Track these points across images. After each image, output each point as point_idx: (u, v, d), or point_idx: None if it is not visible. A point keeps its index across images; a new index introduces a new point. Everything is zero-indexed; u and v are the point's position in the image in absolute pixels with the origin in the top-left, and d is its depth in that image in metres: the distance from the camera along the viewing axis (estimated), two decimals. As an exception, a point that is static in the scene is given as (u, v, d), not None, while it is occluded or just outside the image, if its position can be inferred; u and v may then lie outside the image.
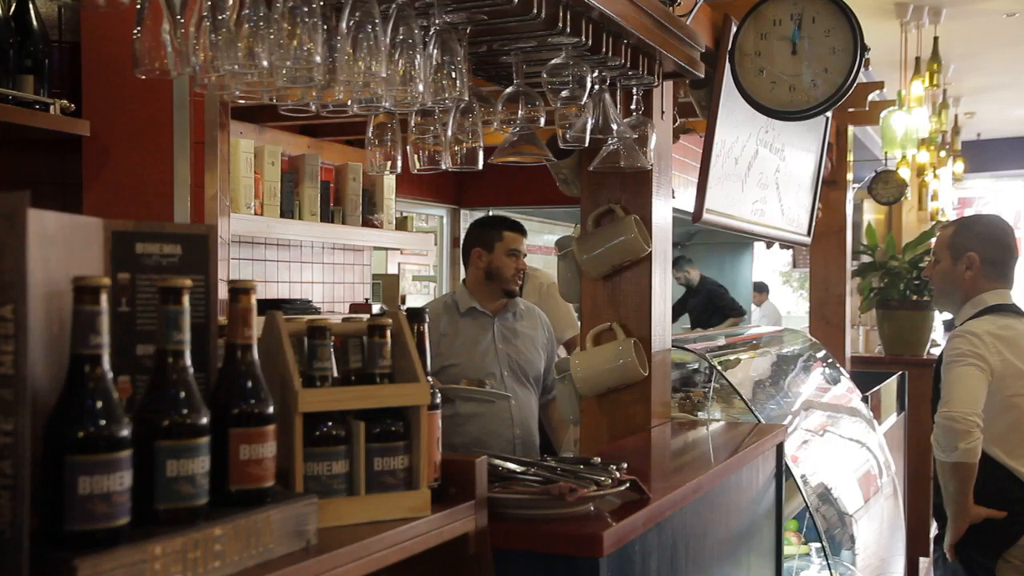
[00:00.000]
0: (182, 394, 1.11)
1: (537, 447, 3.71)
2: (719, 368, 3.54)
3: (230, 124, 2.38)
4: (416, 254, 6.87)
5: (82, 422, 1.00)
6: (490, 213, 7.74)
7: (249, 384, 1.21)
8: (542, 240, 8.71)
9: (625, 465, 1.94)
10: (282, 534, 1.21)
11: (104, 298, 1.03)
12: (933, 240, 6.36)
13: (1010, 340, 3.06)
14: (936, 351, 6.28)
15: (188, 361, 1.12)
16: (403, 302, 6.07)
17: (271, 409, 1.22)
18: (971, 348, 3.02)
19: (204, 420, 1.12)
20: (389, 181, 5.62)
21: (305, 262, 5.45)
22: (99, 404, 1.01)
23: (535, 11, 2.00)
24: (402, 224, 5.87)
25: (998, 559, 3.01)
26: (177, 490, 1.10)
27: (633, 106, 2.72)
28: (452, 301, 3.80)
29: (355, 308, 5.46)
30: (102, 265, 1.19)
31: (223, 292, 1.30)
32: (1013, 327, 3.09)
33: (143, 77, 1.53)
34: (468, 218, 7.54)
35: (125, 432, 1.02)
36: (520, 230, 3.84)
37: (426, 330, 1.56)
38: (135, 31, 1.51)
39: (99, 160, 2.34)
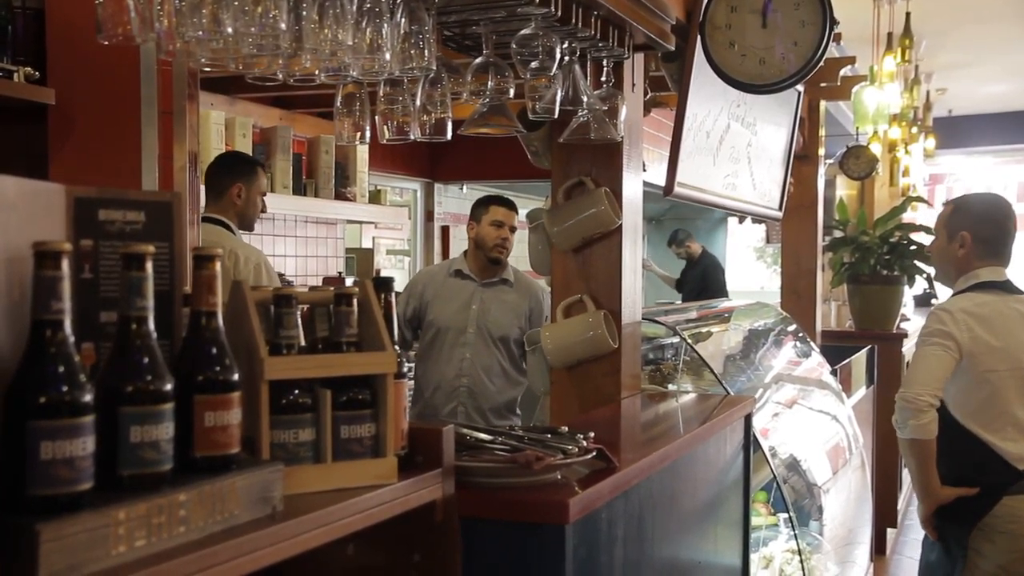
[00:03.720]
0: (145, 360, 1.10)
1: (497, 402, 4.10)
2: (689, 341, 3.56)
3: (200, 95, 2.35)
4: (390, 228, 6.86)
5: (44, 387, 0.99)
6: (463, 187, 7.74)
7: (214, 351, 1.21)
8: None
9: (592, 434, 1.95)
10: (248, 501, 1.21)
11: (65, 263, 1.02)
12: (903, 216, 6.45)
13: (984, 317, 3.13)
14: (905, 325, 6.35)
15: (151, 327, 1.12)
16: (377, 276, 6.06)
17: (236, 376, 1.22)
18: (940, 327, 3.12)
19: (168, 386, 1.12)
20: (362, 154, 5.60)
21: (278, 235, 5.43)
22: (61, 369, 1.01)
23: (504, -19, 2.00)
24: (375, 198, 5.86)
25: (972, 529, 3.09)
26: (141, 456, 1.10)
27: (603, 78, 2.72)
28: (448, 264, 4.43)
29: (328, 282, 5.45)
30: (64, 232, 1.18)
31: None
32: (991, 304, 3.15)
33: (106, 43, 1.52)
34: (442, 192, 7.53)
35: (87, 397, 1.02)
36: (506, 205, 4.29)
37: (393, 300, 1.56)
38: (98, -3, 1.50)
39: (65, 129, 2.31)
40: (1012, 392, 3.11)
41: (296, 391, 1.37)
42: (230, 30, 1.47)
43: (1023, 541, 3.03)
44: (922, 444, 3.08)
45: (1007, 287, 3.22)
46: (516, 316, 4.16)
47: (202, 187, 3.68)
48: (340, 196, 5.46)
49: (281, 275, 4.85)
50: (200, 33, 1.47)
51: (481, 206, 4.28)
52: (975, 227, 3.22)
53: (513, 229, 4.25)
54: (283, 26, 1.52)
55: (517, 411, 4.23)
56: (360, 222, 6.11)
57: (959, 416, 3.14)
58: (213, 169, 3.88)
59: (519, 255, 8.87)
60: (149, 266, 1.12)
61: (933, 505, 3.17)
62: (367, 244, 6.58)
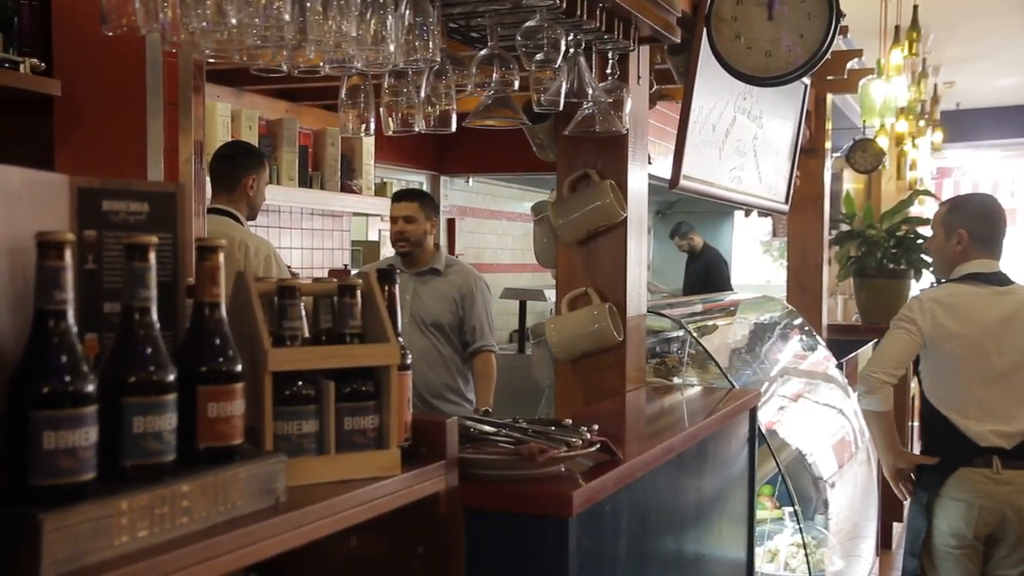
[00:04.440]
0: (148, 351, 1.11)
1: (438, 384, 4.24)
2: (695, 334, 3.56)
3: (206, 87, 2.35)
4: (396, 220, 6.82)
5: (46, 377, 0.99)
6: (469, 180, 7.73)
7: (217, 342, 1.21)
8: (522, 207, 8.70)
9: (596, 427, 1.95)
10: (251, 492, 1.22)
11: (68, 254, 1.03)
12: (910, 210, 6.43)
13: (951, 305, 3.42)
14: (912, 319, 6.32)
15: (155, 318, 1.12)
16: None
17: (239, 367, 1.22)
18: (907, 313, 3.47)
19: (171, 377, 1.12)
20: (368, 147, 5.60)
21: (284, 227, 5.43)
22: (64, 359, 1.01)
23: (509, -27, 1.99)
24: (381, 190, 5.85)
25: (936, 496, 3.39)
26: (144, 446, 1.10)
27: (609, 70, 2.71)
28: (383, 262, 4.64)
29: (334, 274, 5.44)
30: (68, 222, 1.19)
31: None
32: (964, 294, 3.43)
33: (110, 34, 1.52)
34: (448, 184, 7.52)
35: (90, 388, 1.02)
36: (399, 198, 4.48)
37: (396, 291, 1.56)
38: (103, -12, 1.49)
39: (71, 121, 2.31)
40: (973, 375, 3.37)
41: (300, 382, 1.37)
42: (234, 21, 1.47)
43: (974, 508, 3.31)
44: (878, 415, 3.47)
45: (994, 279, 3.45)
46: (447, 302, 4.32)
47: (207, 179, 3.69)
48: (346, 188, 5.46)
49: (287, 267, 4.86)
50: (204, 24, 1.47)
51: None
52: (971, 225, 3.46)
53: (410, 219, 4.35)
54: (287, 17, 1.52)
55: (470, 397, 4.35)
56: (366, 214, 6.11)
57: (933, 401, 3.45)
58: (224, 161, 3.87)
59: (525, 248, 8.87)
60: (152, 257, 1.12)
61: (891, 467, 3.56)
62: (373, 237, 6.58)
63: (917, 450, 4.01)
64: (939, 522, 3.38)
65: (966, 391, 3.38)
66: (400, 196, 4.51)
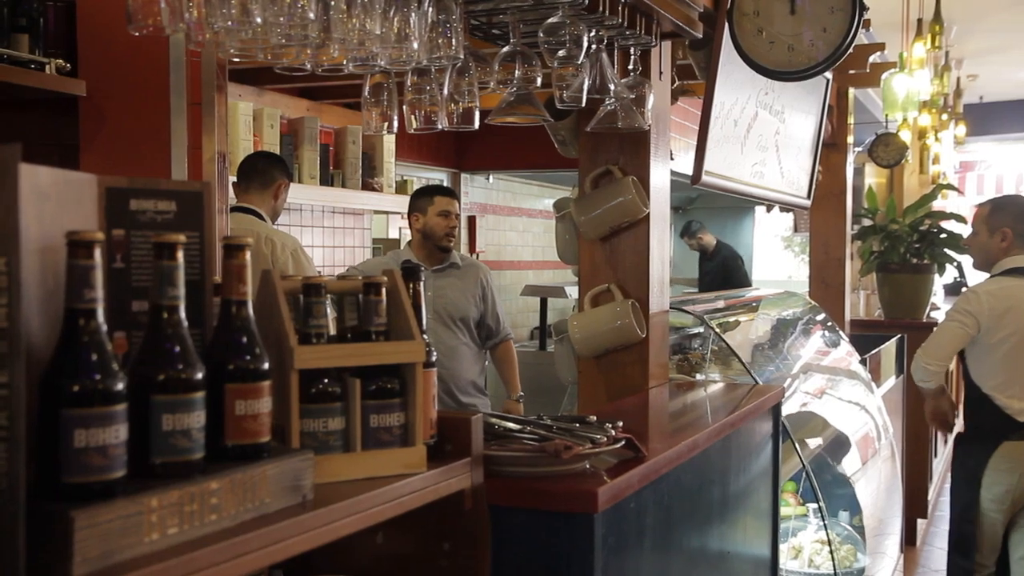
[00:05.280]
0: (177, 349, 1.11)
1: (466, 380, 4.27)
2: (717, 330, 3.54)
3: (228, 86, 2.37)
4: (416, 218, 6.83)
5: (77, 375, 1.00)
6: (490, 177, 7.73)
7: (244, 340, 1.22)
8: (542, 204, 8.69)
9: (621, 424, 1.95)
10: (278, 489, 1.22)
11: (98, 252, 1.03)
12: (933, 204, 6.39)
13: (1003, 297, 3.88)
14: (935, 315, 6.29)
15: (183, 316, 1.13)
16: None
17: (266, 365, 1.23)
18: (965, 306, 3.93)
19: (199, 375, 1.12)
20: (389, 144, 5.60)
21: (305, 226, 5.44)
22: (94, 357, 1.01)
23: (531, -31, 1.99)
24: (402, 188, 5.86)
25: (983, 467, 3.90)
26: (173, 444, 1.10)
27: (631, 66, 2.71)
28: (394, 256, 4.53)
29: (355, 272, 5.45)
30: (96, 221, 1.19)
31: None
32: (1011, 286, 3.90)
33: (136, 34, 1.53)
34: (468, 182, 7.53)
35: (120, 386, 1.02)
36: (450, 194, 4.44)
37: (422, 288, 1.56)
38: (128, -12, 1.50)
39: (96, 121, 2.33)
40: (1016, 358, 3.87)
41: (325, 380, 1.38)
42: (259, 20, 1.48)
43: (1014, 476, 3.83)
44: (923, 390, 4.17)
45: None
46: (470, 296, 4.34)
47: (231, 177, 3.72)
48: (367, 186, 5.47)
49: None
50: (229, 23, 1.47)
51: (425, 196, 4.39)
52: (1015, 224, 3.94)
53: (458, 216, 4.42)
54: (312, 16, 1.52)
55: (485, 391, 4.39)
56: (387, 212, 6.12)
57: (977, 380, 3.95)
58: (263, 159, 4.01)
59: (545, 245, 8.85)
60: (180, 255, 1.12)
61: (932, 407, 4.18)
62: (393, 234, 6.59)
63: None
64: (985, 491, 3.88)
65: (1009, 372, 3.88)
66: (449, 192, 4.49)
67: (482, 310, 4.36)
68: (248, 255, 1.25)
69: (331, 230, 5.70)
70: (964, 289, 4.26)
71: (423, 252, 4.35)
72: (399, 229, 6.61)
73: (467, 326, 4.32)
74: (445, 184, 7.34)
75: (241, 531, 1.13)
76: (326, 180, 5.13)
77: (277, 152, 4.60)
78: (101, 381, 1.01)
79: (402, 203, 5.86)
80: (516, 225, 8.42)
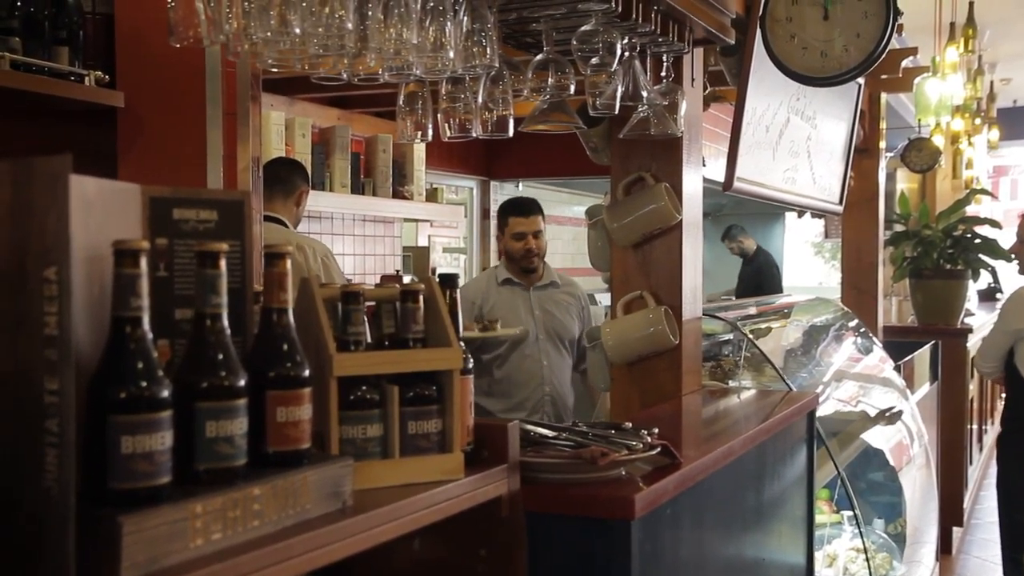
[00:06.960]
0: (220, 356, 1.12)
1: (569, 406, 4.05)
2: (750, 337, 3.53)
3: (261, 96, 2.39)
4: (446, 226, 6.88)
5: (124, 382, 1.01)
6: (519, 184, 7.74)
7: (285, 347, 1.23)
8: (572, 211, 8.68)
9: (656, 430, 1.95)
10: (319, 495, 1.23)
11: (144, 261, 1.04)
12: (967, 209, 6.34)
13: None
14: (970, 320, 6.24)
15: (226, 324, 1.14)
16: (433, 274, 6.09)
17: (307, 372, 1.24)
18: (1014, 306, 4.32)
19: (242, 382, 1.13)
20: (419, 153, 5.63)
21: (336, 234, 5.47)
22: (140, 365, 1.02)
23: (564, -23, 1.99)
24: (432, 196, 5.88)
25: None
26: (216, 450, 1.11)
27: (663, 73, 2.71)
28: (494, 272, 4.28)
29: (387, 280, 5.48)
30: (140, 231, 1.21)
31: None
32: None
33: (177, 46, 1.55)
34: (498, 190, 7.54)
35: (166, 393, 1.04)
36: (524, 211, 4.13)
37: (458, 296, 1.57)
38: (169, 1, 1.52)
39: (134, 131, 2.35)
40: None
41: (364, 387, 1.39)
42: (298, 31, 1.49)
43: None
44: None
45: None
46: (574, 316, 4.13)
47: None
48: (397, 195, 5.49)
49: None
50: (268, 34, 1.49)
51: (502, 216, 4.18)
52: None
53: (538, 233, 4.11)
54: (349, 26, 1.54)
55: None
56: (417, 220, 6.15)
57: (1022, 371, 4.28)
58: (285, 166, 3.98)
59: (575, 252, 8.84)
60: (223, 264, 1.14)
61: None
62: (423, 242, 6.62)
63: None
64: None
65: None
66: (523, 210, 4.15)
67: (580, 328, 4.13)
68: (289, 263, 1.26)
69: (361, 238, 5.73)
70: (999, 295, 4.65)
71: (513, 268, 4.14)
72: (428, 237, 6.63)
73: (573, 346, 4.10)
74: (474, 192, 7.35)
75: (283, 536, 1.14)
76: (357, 188, 5.16)
77: (307, 161, 4.63)
78: (148, 388, 1.02)
79: (432, 211, 5.90)
80: (546, 232, 8.41)
